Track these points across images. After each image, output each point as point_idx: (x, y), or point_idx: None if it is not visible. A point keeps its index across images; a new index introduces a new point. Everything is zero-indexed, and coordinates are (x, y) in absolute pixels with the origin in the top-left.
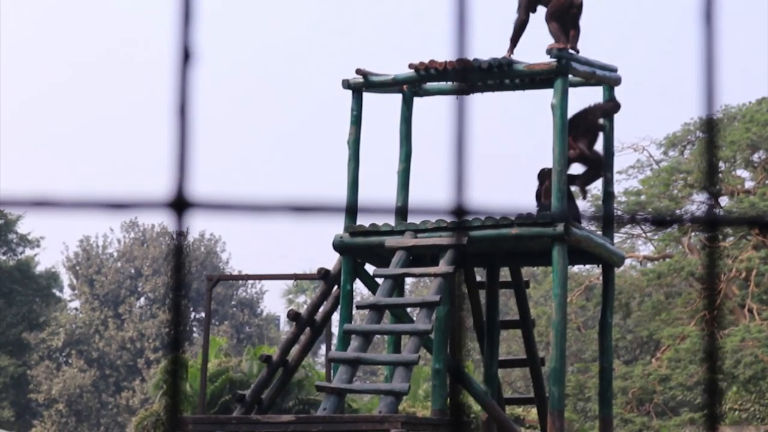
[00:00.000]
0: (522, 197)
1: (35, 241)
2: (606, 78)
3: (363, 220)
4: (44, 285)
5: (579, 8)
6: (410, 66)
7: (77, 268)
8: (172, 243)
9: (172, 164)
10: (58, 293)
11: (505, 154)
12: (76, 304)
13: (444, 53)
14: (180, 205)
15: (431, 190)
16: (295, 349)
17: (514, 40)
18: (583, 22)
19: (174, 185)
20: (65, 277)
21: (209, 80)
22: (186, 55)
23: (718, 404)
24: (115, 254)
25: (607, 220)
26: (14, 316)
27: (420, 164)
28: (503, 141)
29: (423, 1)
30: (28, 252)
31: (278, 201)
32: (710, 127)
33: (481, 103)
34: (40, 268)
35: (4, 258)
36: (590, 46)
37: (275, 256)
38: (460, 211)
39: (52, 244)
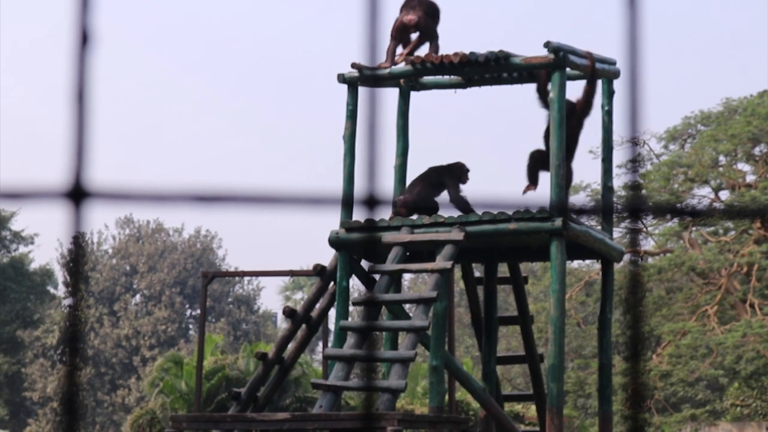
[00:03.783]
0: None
1: (29, 238)
2: (605, 71)
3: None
4: (38, 282)
5: (416, 27)
6: (407, 60)
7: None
8: (70, 241)
9: (70, 152)
10: (52, 290)
11: (501, 147)
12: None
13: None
14: (77, 194)
15: None
16: (291, 347)
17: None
18: (569, 18)
19: (71, 174)
20: (60, 275)
21: (211, 68)
22: (84, 38)
23: None
24: (110, 251)
25: (607, 214)
26: (8, 314)
27: (416, 159)
28: (500, 134)
29: None
30: (22, 249)
31: (182, 191)
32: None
33: (478, 96)
34: (34, 265)
35: None
36: (593, 38)
37: (273, 252)
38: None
39: (47, 241)
